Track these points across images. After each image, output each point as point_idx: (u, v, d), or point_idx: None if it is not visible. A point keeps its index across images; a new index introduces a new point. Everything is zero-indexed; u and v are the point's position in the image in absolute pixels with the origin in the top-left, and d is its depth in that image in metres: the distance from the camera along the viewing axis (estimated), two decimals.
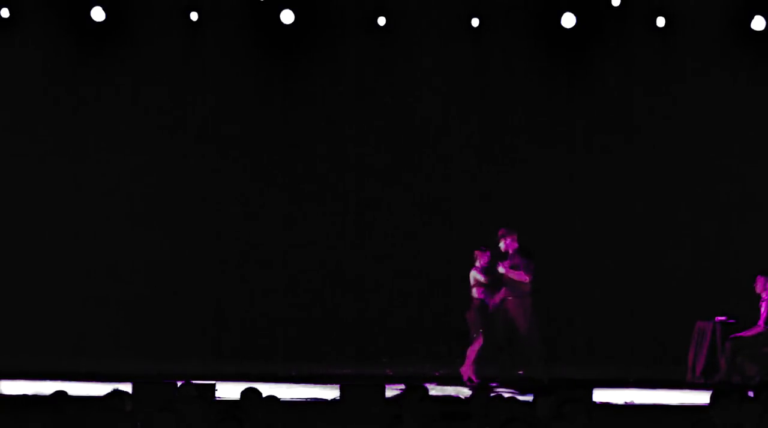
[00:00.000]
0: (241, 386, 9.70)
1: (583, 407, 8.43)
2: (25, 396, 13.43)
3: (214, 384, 11.79)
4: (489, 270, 15.12)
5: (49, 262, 17.68)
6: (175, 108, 17.92)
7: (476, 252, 15.29)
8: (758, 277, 15.29)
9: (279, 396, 9.60)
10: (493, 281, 15.09)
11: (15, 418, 9.12)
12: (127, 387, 10.26)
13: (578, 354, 17.30)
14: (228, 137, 17.99)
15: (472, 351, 15.10)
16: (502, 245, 15.08)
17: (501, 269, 14.95)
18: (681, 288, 17.50)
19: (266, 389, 9.62)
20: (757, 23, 17.47)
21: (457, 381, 14.92)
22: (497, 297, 15.05)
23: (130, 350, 17.41)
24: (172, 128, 17.91)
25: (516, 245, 15.03)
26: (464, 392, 14.29)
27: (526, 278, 14.90)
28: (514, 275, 14.90)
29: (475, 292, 15.18)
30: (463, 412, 9.62)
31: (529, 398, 9.65)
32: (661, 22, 17.52)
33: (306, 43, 17.88)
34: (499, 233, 15.11)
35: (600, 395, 12.88)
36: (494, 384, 14.50)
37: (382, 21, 17.69)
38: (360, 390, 11.36)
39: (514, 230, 15.14)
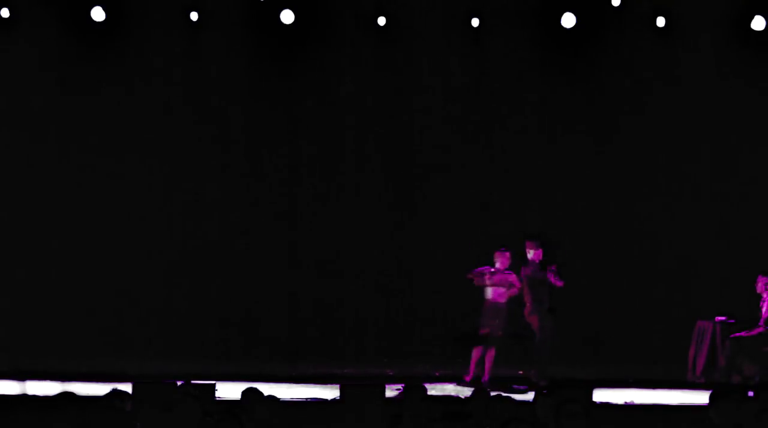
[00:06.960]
0: (241, 386, 9.69)
1: (583, 407, 8.43)
2: (25, 395, 13.42)
3: (214, 384, 11.77)
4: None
5: (49, 262, 17.67)
6: (175, 108, 17.92)
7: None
8: (758, 277, 15.30)
9: (279, 396, 9.59)
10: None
11: (16, 418, 9.12)
12: (127, 387, 10.23)
13: (578, 354, 17.29)
14: (228, 136, 17.98)
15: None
16: (532, 253, 15.25)
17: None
18: (681, 288, 17.49)
19: (266, 389, 9.61)
20: (757, 23, 17.46)
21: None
22: None
23: (130, 350, 17.41)
24: (173, 128, 17.91)
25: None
26: (464, 392, 14.28)
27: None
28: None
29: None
30: (463, 412, 9.61)
31: (529, 398, 9.64)
32: (661, 22, 17.52)
33: (306, 43, 17.88)
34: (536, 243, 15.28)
35: (600, 395, 12.87)
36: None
37: (382, 21, 17.69)
38: (360, 390, 11.34)
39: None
